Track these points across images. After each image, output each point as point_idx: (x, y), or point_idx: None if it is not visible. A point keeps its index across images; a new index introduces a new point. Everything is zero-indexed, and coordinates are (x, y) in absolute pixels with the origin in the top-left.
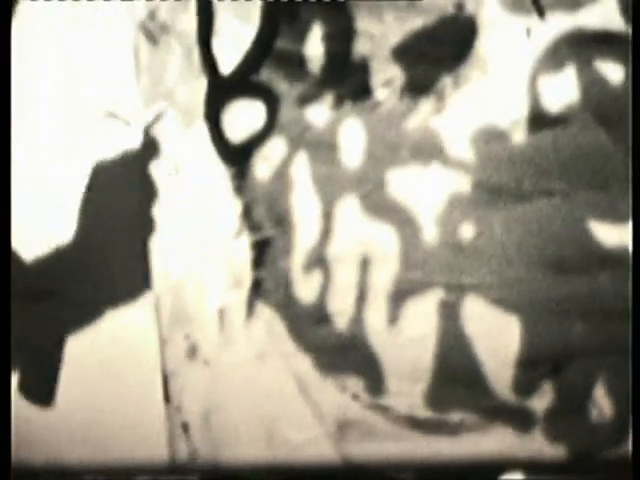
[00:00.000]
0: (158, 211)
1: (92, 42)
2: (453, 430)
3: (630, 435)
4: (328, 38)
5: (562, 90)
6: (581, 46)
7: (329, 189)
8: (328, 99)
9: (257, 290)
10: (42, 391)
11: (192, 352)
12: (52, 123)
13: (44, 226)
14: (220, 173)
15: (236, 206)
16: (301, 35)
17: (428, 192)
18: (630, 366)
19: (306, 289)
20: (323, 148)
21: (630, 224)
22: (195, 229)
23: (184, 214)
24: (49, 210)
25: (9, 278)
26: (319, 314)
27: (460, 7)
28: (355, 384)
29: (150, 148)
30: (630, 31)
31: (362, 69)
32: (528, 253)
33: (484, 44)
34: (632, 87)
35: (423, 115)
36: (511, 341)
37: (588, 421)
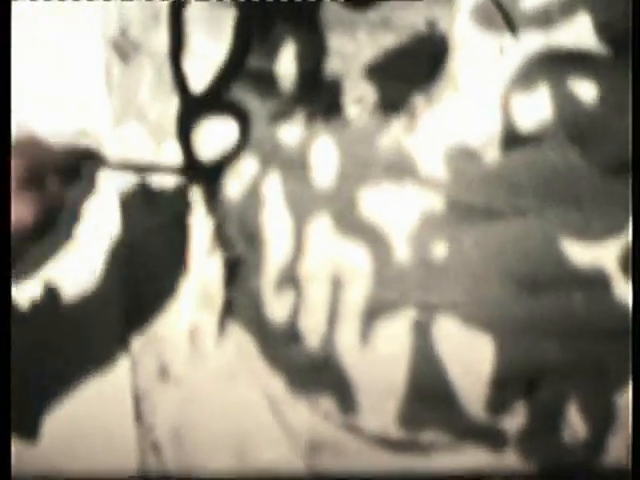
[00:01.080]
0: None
1: (64, 58)
2: (425, 449)
3: (630, 440)
4: (300, 56)
5: (535, 109)
6: (554, 65)
7: (301, 207)
8: (300, 117)
9: (228, 309)
10: (27, 424)
11: (163, 372)
12: None
13: None
14: (192, 191)
15: (207, 224)
16: (273, 53)
17: (400, 210)
18: (630, 359)
19: (278, 308)
20: (295, 166)
21: (626, 238)
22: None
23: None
24: None
25: (9, 278)
26: (291, 333)
27: (432, 25)
28: (327, 403)
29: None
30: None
31: (334, 87)
32: (501, 272)
33: (456, 62)
34: (632, 88)
35: (395, 133)
36: (484, 360)
37: (561, 440)
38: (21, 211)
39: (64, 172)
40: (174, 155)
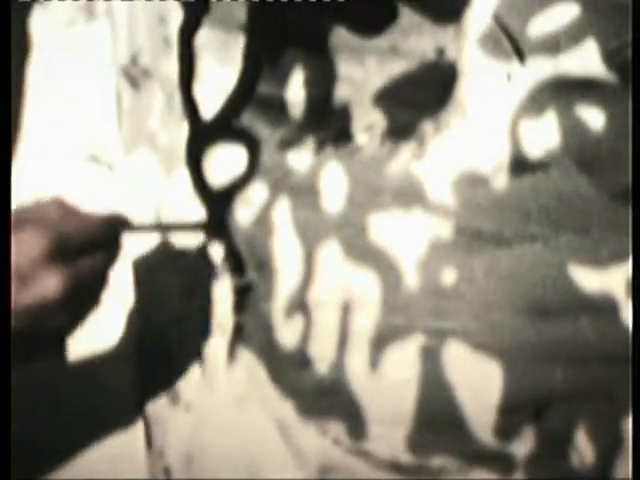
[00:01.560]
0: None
1: (75, 85)
2: (434, 474)
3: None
4: (309, 83)
5: (543, 135)
6: (562, 92)
7: (310, 234)
8: (309, 144)
9: (239, 335)
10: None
11: (174, 397)
12: (33, 166)
13: None
14: (202, 217)
15: (217, 250)
16: (282, 80)
17: (409, 237)
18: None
19: (288, 334)
20: (304, 193)
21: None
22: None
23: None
24: None
25: (9, 278)
26: (300, 359)
27: (441, 52)
28: (336, 429)
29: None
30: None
31: (343, 114)
32: (509, 298)
33: (465, 89)
34: (632, 99)
35: (404, 160)
36: (492, 386)
37: (569, 466)
38: (49, 285)
39: (94, 242)
40: (185, 182)
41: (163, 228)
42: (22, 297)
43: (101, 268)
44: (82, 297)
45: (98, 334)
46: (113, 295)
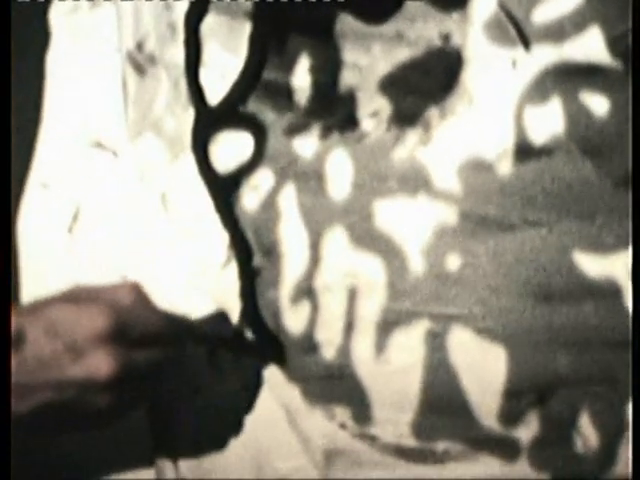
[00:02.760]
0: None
1: (80, 72)
2: (439, 459)
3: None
4: (315, 69)
5: (548, 122)
6: (566, 78)
7: (317, 219)
8: (315, 130)
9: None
10: None
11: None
12: (38, 153)
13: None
14: (208, 204)
15: (224, 237)
16: (288, 66)
17: (415, 223)
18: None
19: (294, 319)
20: (311, 179)
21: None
22: (183, 260)
23: (172, 245)
24: (38, 245)
25: (10, 277)
26: (307, 344)
27: (446, 39)
28: (343, 413)
29: None
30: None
31: (349, 100)
32: (514, 283)
33: (470, 76)
34: (632, 95)
35: (410, 146)
36: (497, 371)
37: (573, 450)
38: (100, 365)
39: (155, 337)
40: (190, 168)
41: (223, 343)
42: (71, 370)
43: (155, 363)
44: (130, 386)
45: None
46: None
